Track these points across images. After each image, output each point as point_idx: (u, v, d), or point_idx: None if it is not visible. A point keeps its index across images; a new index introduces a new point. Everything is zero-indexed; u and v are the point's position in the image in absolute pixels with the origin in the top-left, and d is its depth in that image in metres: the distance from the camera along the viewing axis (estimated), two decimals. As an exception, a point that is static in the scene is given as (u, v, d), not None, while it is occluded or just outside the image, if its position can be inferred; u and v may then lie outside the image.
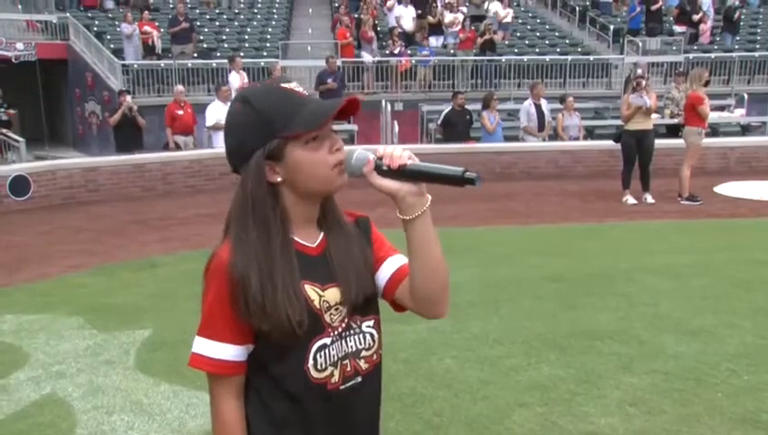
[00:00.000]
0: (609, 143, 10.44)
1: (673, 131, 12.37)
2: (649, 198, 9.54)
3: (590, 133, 13.61)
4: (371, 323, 1.48)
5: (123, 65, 15.91)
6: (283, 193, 1.38)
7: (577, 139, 12.48)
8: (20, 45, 17.69)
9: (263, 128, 1.34)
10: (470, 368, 4.11)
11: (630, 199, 9.51)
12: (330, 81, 13.92)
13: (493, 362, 4.17)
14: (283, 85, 1.38)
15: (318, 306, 1.39)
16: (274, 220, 1.36)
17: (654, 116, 9.78)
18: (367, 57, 16.90)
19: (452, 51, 17.79)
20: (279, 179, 1.36)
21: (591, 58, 17.57)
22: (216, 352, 1.36)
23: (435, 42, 18.02)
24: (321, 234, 1.44)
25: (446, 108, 12.54)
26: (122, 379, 4.11)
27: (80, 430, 3.53)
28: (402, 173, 1.32)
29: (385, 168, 1.32)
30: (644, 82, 9.39)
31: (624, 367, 4.05)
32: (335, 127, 1.42)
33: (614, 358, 4.19)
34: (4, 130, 13.38)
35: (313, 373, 1.39)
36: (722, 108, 15.19)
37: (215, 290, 1.36)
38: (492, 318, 4.95)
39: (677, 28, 19.05)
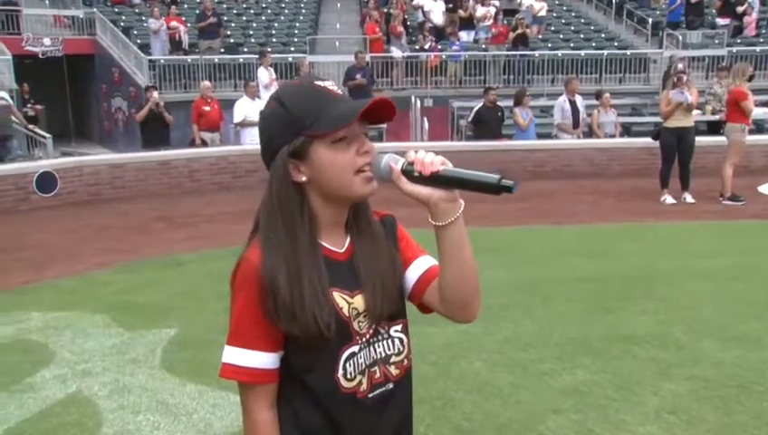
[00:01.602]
0: (647, 141, 10.31)
1: (715, 128, 12.16)
2: (689, 198, 9.40)
3: (626, 130, 13.45)
4: (399, 327, 1.47)
5: (150, 61, 16.12)
6: (310, 194, 1.37)
7: (613, 136, 12.34)
8: (47, 41, 18.02)
9: (290, 125, 1.34)
10: (501, 371, 4.08)
11: (669, 199, 9.38)
12: (358, 76, 13.94)
13: (525, 366, 4.14)
14: (317, 83, 1.37)
15: (347, 314, 1.38)
16: (301, 221, 1.35)
17: (695, 112, 9.63)
18: (396, 52, 16.89)
19: (483, 46, 17.70)
20: (304, 179, 1.35)
21: (629, 53, 17.37)
22: (248, 361, 1.36)
23: (466, 36, 17.96)
24: (348, 238, 1.44)
25: (478, 104, 12.48)
26: (148, 378, 4.16)
27: (105, 429, 3.58)
28: (435, 179, 1.30)
29: (416, 174, 1.30)
30: (685, 78, 9.25)
31: (662, 373, 3.99)
32: None
33: (652, 363, 4.13)
34: (31, 126, 13.61)
35: (343, 383, 1.38)
36: (767, 104, 14.90)
37: (245, 296, 1.35)
38: (524, 320, 4.92)
39: (720, 21, 18.73)
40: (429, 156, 1.30)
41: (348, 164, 1.34)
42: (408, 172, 1.31)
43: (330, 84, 1.38)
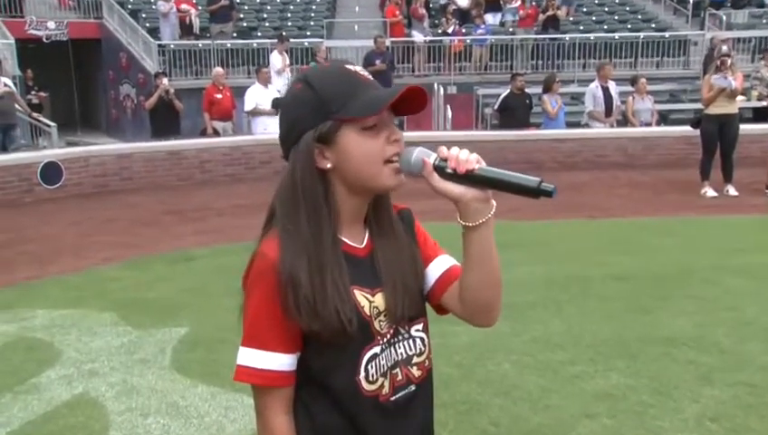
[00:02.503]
0: (687, 129, 10.21)
1: (761, 116, 12.03)
2: (732, 191, 9.29)
3: (664, 119, 13.34)
4: (420, 326, 1.47)
5: (159, 45, 16.21)
6: (334, 184, 1.37)
7: (649, 124, 12.23)
8: (51, 24, 18.16)
9: (317, 108, 1.34)
10: (530, 374, 4.06)
11: (710, 192, 9.28)
12: (378, 62, 13.92)
13: (555, 369, 4.13)
14: (348, 66, 1.38)
15: (368, 313, 1.38)
16: (326, 211, 1.35)
17: (739, 99, 9.52)
18: (418, 36, 16.84)
19: (511, 29, 17.61)
20: (329, 166, 1.35)
21: (667, 35, 17.19)
22: (264, 363, 1.36)
23: (492, 19, 17.86)
24: (367, 233, 1.44)
25: (504, 91, 12.43)
26: (158, 379, 4.19)
27: (113, 432, 3.61)
28: (468, 178, 1.29)
29: (449, 171, 1.30)
30: (728, 61, 9.13)
31: (703, 377, 3.95)
32: None
33: (692, 367, 4.09)
34: (35, 115, 13.74)
35: (365, 385, 1.38)
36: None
37: (261, 294, 1.35)
38: (554, 320, 4.90)
39: (768, -1, 18.48)
40: (464, 153, 1.29)
41: (377, 152, 1.34)
42: (440, 169, 1.30)
43: (360, 69, 1.38)
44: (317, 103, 1.34)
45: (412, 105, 1.37)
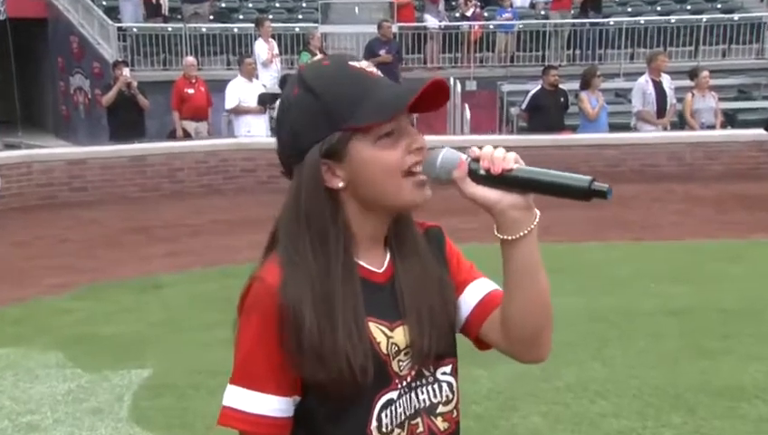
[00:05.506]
0: (759, 133, 10.22)
1: None
2: (813, 208, 9.32)
3: (730, 120, 13.32)
4: (448, 368, 1.48)
5: (119, 29, 16.25)
6: (346, 203, 1.39)
7: (713, 127, 12.24)
8: (-17, 0, 18.18)
9: (323, 117, 1.35)
10: (564, 429, 4.07)
11: (786, 209, 9.30)
12: (383, 52, 13.96)
13: (594, 422, 4.12)
14: (352, 64, 1.40)
15: (385, 351, 1.40)
16: (335, 238, 1.37)
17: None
18: (431, 21, 16.92)
19: (543, 11, 17.69)
20: (340, 185, 1.37)
21: (736, 17, 17.20)
22: (255, 406, 1.37)
23: (520, 1, 17.94)
24: (388, 255, 1.46)
25: (534, 87, 12.48)
26: (113, 433, 4.17)
27: (60, 496, 3.61)
28: (505, 180, 1.31)
29: (482, 172, 1.32)
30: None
31: (778, 437, 3.95)
32: None
33: (765, 426, 4.08)
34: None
35: None
36: None
37: (256, 323, 1.36)
38: (593, 363, 4.90)
39: None
40: (500, 151, 1.32)
41: (395, 164, 1.35)
42: (472, 171, 1.33)
43: (366, 66, 1.40)
44: (322, 112, 1.35)
45: (429, 101, 1.38)
